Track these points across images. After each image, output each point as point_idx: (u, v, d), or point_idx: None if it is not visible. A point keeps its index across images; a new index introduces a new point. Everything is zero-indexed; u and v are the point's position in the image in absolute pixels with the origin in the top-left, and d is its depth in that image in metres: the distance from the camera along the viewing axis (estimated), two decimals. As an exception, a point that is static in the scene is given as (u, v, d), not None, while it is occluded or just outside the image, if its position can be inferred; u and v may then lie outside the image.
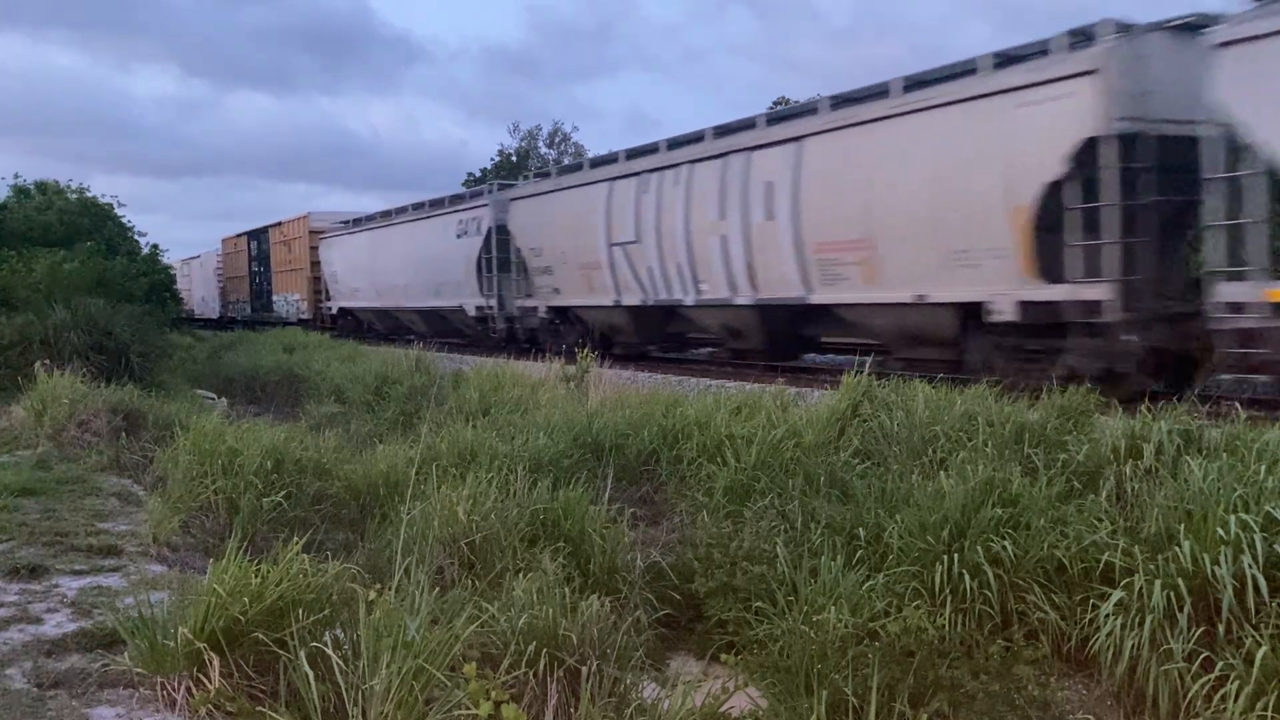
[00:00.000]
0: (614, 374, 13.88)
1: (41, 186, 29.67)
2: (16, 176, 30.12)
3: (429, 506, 6.39)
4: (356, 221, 30.59)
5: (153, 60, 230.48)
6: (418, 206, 26.82)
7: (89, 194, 29.23)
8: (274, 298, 38.49)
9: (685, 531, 7.39)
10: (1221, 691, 4.43)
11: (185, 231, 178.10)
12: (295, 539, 4.79)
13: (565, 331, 20.21)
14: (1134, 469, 6.58)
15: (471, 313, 23.24)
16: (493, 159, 53.23)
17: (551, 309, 20.62)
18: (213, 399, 16.95)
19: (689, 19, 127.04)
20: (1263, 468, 5.65)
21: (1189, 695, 4.60)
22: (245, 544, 4.87)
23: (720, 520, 7.11)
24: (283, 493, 7.49)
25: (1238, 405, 7.55)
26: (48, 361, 13.04)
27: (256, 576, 4.29)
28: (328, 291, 32.86)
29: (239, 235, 43.64)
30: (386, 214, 28.74)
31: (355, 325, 31.60)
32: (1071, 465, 6.91)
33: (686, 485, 8.39)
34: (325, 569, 4.61)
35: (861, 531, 6.35)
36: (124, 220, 29.01)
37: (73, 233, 24.71)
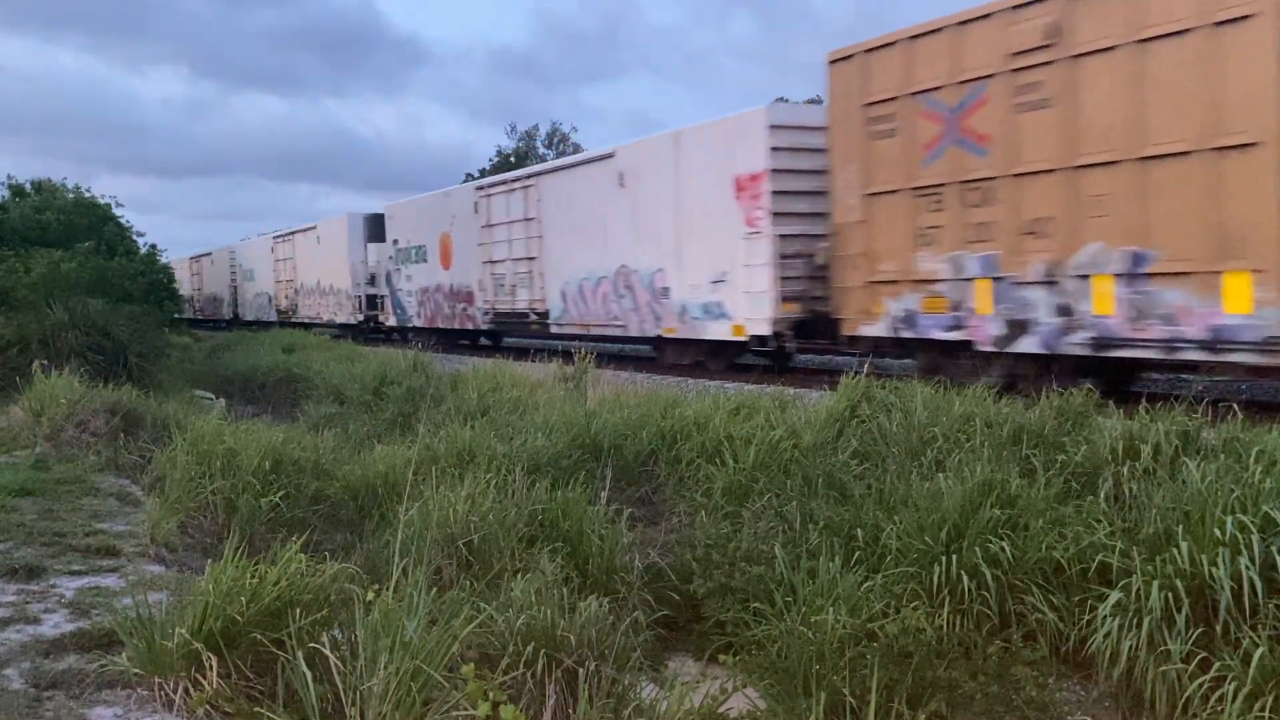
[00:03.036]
0: (612, 374, 13.87)
1: (38, 186, 29.54)
2: (10, 178, 30.01)
3: (427, 507, 6.39)
4: None
5: (162, 62, 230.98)
6: None
7: (86, 193, 29.11)
8: None
9: (684, 532, 7.39)
10: (1219, 692, 4.43)
11: (186, 231, 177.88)
12: (293, 539, 4.79)
13: None
14: (1132, 470, 6.58)
15: None
16: (491, 159, 53.33)
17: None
18: (211, 399, 16.91)
19: (692, 21, 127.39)
20: (1259, 469, 5.66)
21: (1186, 696, 4.60)
22: (243, 544, 4.85)
23: (719, 521, 7.12)
24: (281, 493, 7.48)
25: (1235, 407, 7.56)
26: (46, 361, 13.01)
27: (254, 577, 4.29)
28: None
29: (872, 51, 12.03)
30: None
31: None
32: (1069, 466, 6.91)
33: (685, 486, 8.39)
34: (323, 569, 4.61)
35: (860, 532, 6.35)
36: (123, 220, 28.90)
37: (71, 232, 24.55)
